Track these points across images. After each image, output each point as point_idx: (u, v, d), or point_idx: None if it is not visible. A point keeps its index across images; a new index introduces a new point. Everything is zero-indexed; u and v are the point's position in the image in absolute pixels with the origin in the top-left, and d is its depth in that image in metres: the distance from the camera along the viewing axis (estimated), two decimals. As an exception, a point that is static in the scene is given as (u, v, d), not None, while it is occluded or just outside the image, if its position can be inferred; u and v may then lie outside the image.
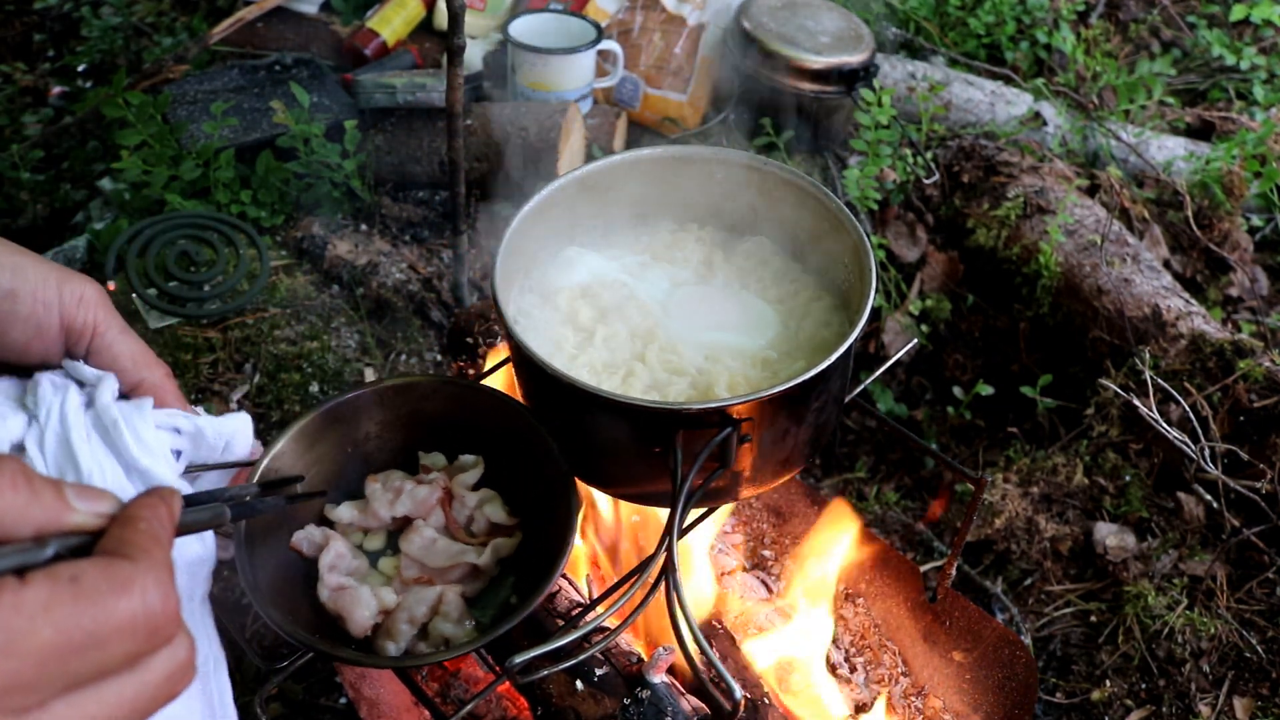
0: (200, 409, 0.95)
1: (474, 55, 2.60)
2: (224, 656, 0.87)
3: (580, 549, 1.57)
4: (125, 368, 0.88)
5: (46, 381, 0.83)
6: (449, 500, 1.10)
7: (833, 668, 1.55)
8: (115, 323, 0.87)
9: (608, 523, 1.56)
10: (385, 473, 1.13)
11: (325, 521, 1.09)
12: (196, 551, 0.85)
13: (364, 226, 2.20)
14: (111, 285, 1.98)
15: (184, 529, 0.74)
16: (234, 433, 0.95)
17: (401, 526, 1.10)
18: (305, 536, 1.06)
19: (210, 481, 0.96)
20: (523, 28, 2.37)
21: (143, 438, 0.83)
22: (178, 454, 0.89)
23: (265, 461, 1.01)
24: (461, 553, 1.06)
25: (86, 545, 0.58)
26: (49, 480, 0.58)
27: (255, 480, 0.99)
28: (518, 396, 1.27)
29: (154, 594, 0.57)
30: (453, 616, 1.02)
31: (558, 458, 1.08)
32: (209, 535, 0.87)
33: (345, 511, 1.09)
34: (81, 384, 0.85)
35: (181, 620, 0.60)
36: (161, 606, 0.57)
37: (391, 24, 2.65)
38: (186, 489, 0.88)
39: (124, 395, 0.88)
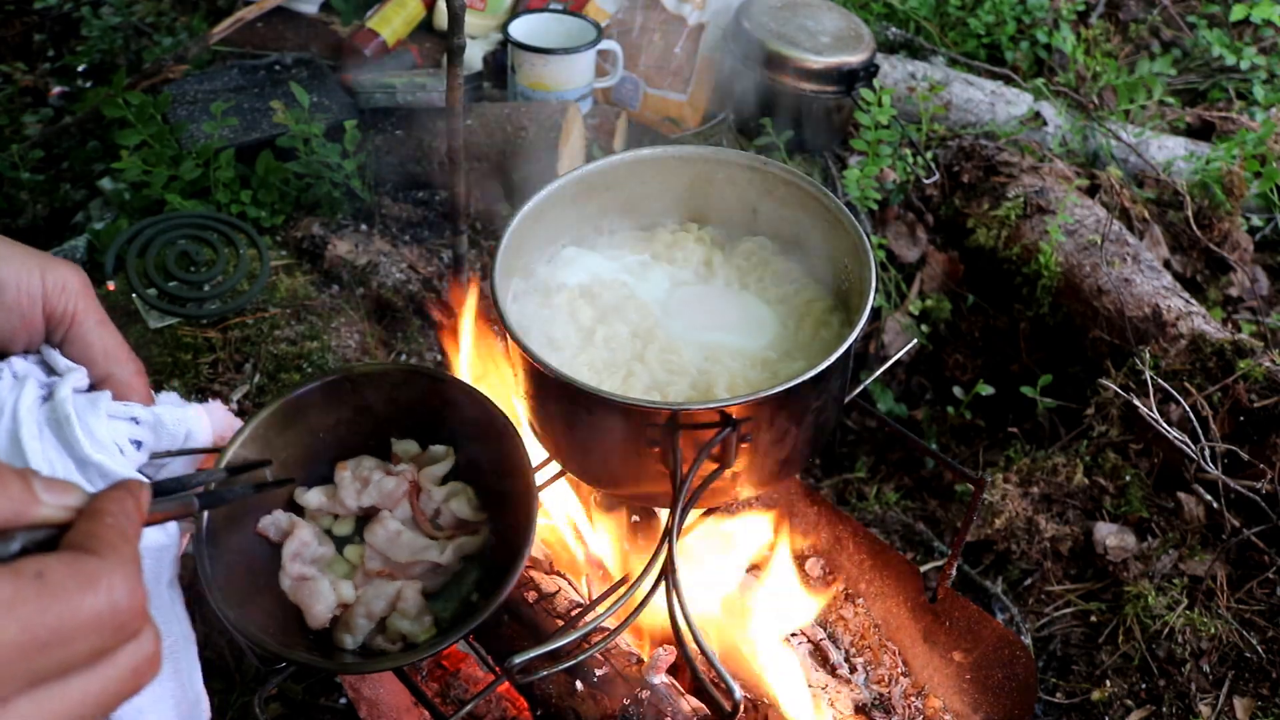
0: (169, 394, 0.94)
1: (474, 55, 2.60)
2: (193, 636, 0.87)
3: (579, 549, 1.57)
4: (95, 360, 0.87)
5: (8, 374, 0.82)
6: (417, 493, 1.09)
7: (832, 668, 1.55)
8: (94, 314, 0.86)
9: (607, 523, 1.56)
10: (356, 459, 1.12)
11: (294, 506, 1.09)
12: (159, 539, 0.84)
13: (364, 226, 2.20)
14: (111, 285, 1.98)
15: (152, 520, 0.74)
16: (194, 420, 0.94)
17: (370, 514, 1.09)
18: (272, 522, 1.05)
19: (177, 469, 0.95)
20: (523, 28, 2.37)
21: (94, 433, 0.82)
22: (139, 444, 0.88)
23: (234, 447, 1.00)
24: (425, 549, 1.05)
25: (53, 539, 0.58)
26: (17, 472, 0.58)
27: (223, 465, 0.98)
28: (514, 398, 1.27)
29: (121, 590, 0.56)
30: (410, 614, 1.02)
31: (524, 455, 1.07)
32: (172, 524, 0.86)
33: (314, 497, 1.09)
34: (52, 371, 0.85)
35: (148, 614, 0.59)
36: (128, 602, 0.57)
37: (391, 24, 2.65)
38: (144, 479, 0.87)
39: (94, 388, 0.88)
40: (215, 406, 0.99)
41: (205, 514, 0.96)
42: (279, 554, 1.04)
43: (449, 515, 1.09)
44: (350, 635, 1.01)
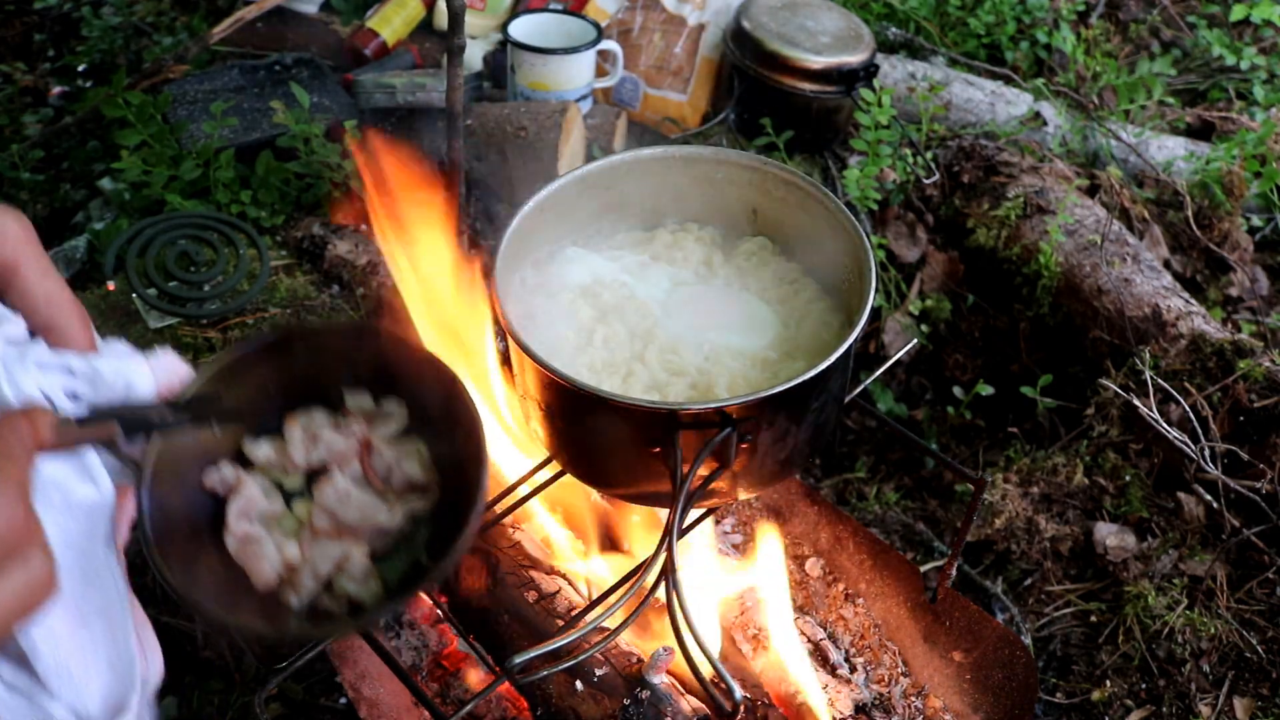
0: (116, 343, 0.90)
1: (474, 55, 2.60)
2: (128, 597, 0.85)
3: (579, 549, 1.57)
4: (36, 307, 0.84)
5: None
6: (368, 451, 1.06)
7: (832, 668, 1.55)
8: (35, 262, 0.84)
9: (607, 523, 1.56)
10: (306, 412, 1.08)
11: (242, 460, 1.04)
12: (92, 496, 0.82)
13: (364, 226, 2.20)
14: (111, 285, 1.99)
15: (63, 443, 0.73)
16: (136, 371, 0.90)
17: (320, 471, 1.05)
18: (218, 475, 1.01)
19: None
20: (523, 28, 2.37)
21: (20, 384, 0.80)
22: (75, 396, 0.85)
23: (184, 399, 0.96)
24: (374, 509, 1.02)
25: None
26: None
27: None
28: (517, 396, 1.27)
29: (2, 510, 0.58)
30: (357, 576, 1.00)
31: (476, 416, 1.03)
32: (105, 481, 0.84)
33: (263, 449, 1.05)
34: None
35: (38, 537, 0.60)
36: (9, 522, 0.58)
37: (391, 24, 2.65)
38: (47, 406, 0.83)
39: (35, 336, 0.85)
40: (163, 355, 0.94)
41: (150, 463, 0.92)
42: (223, 510, 1.00)
43: (400, 475, 1.05)
44: (296, 596, 0.98)
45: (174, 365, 0.96)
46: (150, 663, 0.89)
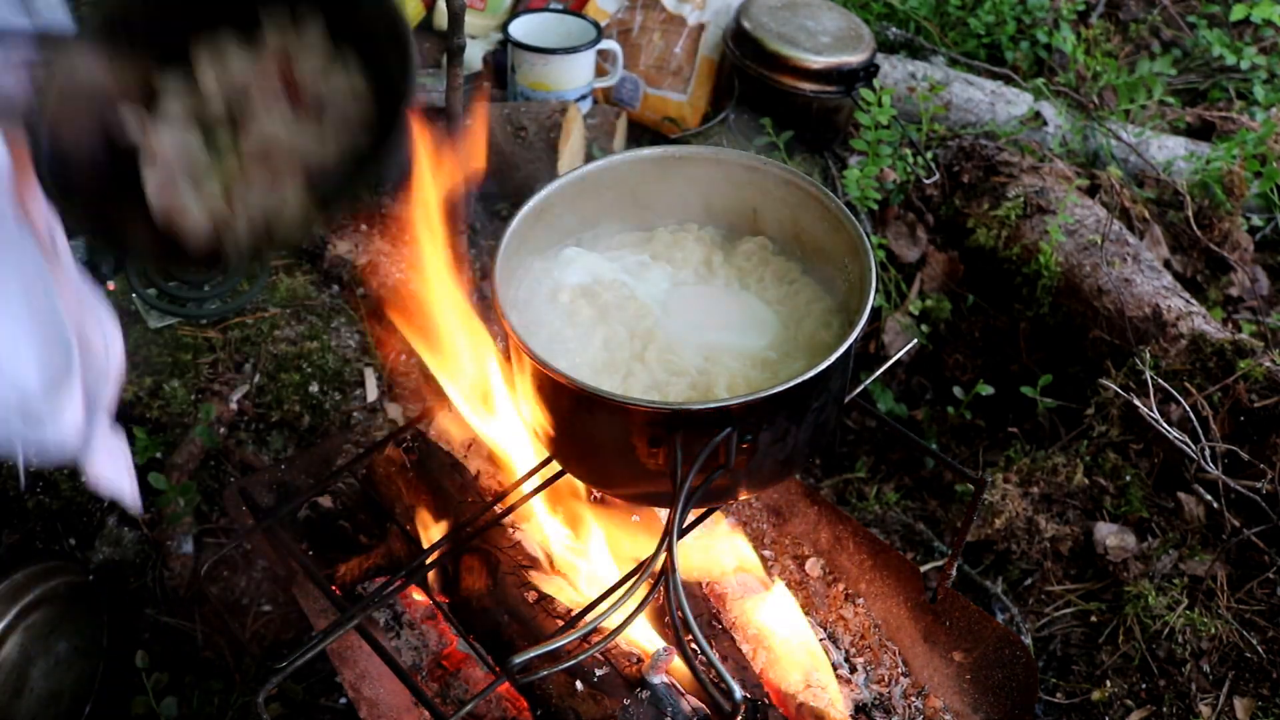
0: None
1: (474, 55, 2.60)
2: (50, 273, 0.82)
3: (578, 550, 1.57)
4: None
5: None
6: (289, 67, 0.94)
7: (833, 668, 1.55)
8: None
9: (606, 523, 1.56)
10: (216, 37, 0.95)
11: (152, 109, 0.94)
12: None
13: (364, 226, 2.20)
14: (111, 285, 1.99)
15: None
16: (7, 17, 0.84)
17: (239, 101, 0.95)
18: (125, 120, 0.91)
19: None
20: (523, 28, 2.37)
21: None
22: None
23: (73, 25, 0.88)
24: (303, 135, 0.93)
25: None
26: None
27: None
28: (517, 396, 1.27)
29: None
30: (294, 208, 0.91)
31: (397, 15, 0.93)
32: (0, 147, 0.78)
33: (172, 83, 0.93)
34: None
35: None
36: None
37: (391, 24, 2.65)
38: None
39: None
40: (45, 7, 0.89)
41: (46, 109, 0.85)
42: (137, 159, 0.91)
43: (327, 92, 0.94)
44: (234, 240, 0.91)
45: (62, 16, 0.88)
46: (110, 349, 0.86)
